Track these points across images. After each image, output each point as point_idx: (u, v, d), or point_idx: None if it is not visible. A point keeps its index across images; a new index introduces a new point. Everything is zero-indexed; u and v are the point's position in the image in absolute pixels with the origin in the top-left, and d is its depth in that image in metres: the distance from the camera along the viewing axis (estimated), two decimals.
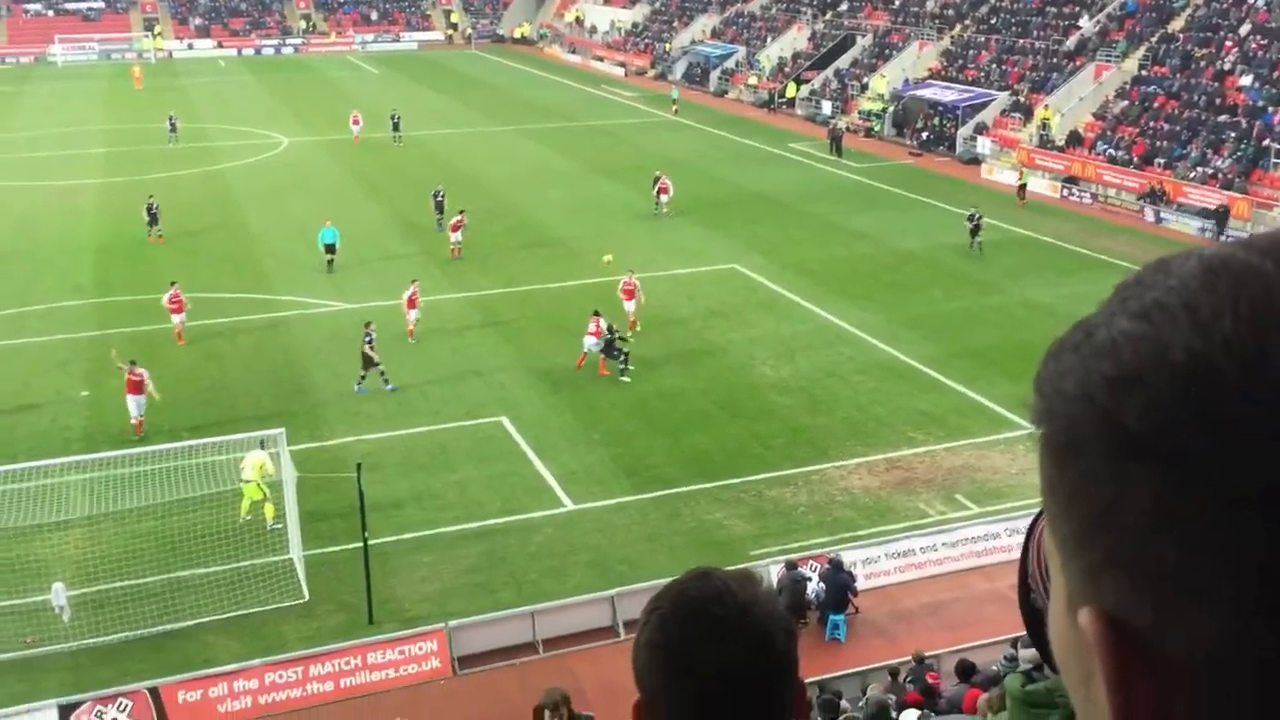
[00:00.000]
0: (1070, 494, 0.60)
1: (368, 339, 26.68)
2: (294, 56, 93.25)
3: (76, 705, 16.45)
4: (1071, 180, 46.94)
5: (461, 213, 37.39)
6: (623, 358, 27.56)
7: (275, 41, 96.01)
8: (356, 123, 56.50)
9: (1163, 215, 43.03)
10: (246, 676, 17.21)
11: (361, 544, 18.85)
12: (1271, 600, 0.53)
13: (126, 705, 16.59)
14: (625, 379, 27.36)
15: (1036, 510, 1.90)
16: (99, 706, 16.52)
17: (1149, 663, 0.56)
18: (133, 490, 21.45)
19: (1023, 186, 45.55)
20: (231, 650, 17.97)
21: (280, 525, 20.81)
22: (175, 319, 29.47)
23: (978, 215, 37.15)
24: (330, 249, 35.24)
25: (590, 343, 27.51)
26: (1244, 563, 0.53)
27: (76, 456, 22.05)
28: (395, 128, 56.39)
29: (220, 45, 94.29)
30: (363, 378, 26.66)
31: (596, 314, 27.81)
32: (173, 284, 29.89)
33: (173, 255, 36.92)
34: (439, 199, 39.83)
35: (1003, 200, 44.29)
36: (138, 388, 24.47)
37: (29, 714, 16.33)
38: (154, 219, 38.80)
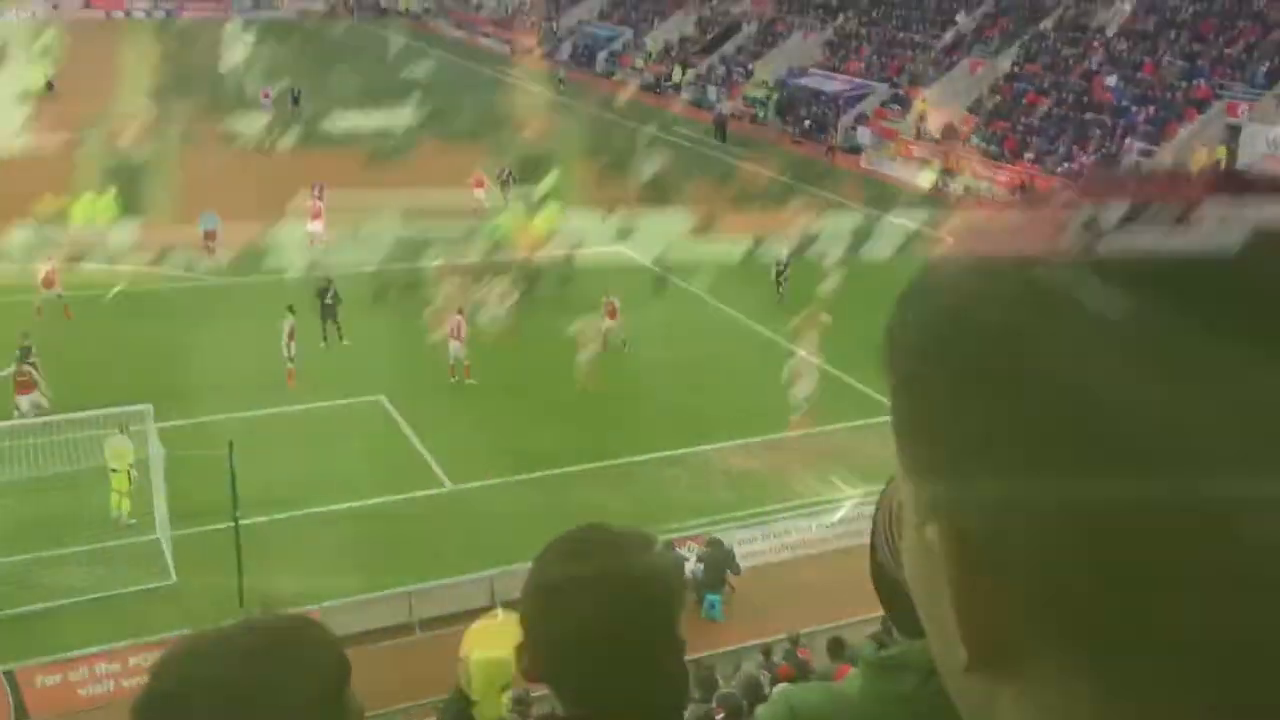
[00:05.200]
0: (913, 423, 0.66)
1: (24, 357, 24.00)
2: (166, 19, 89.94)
3: None
4: (947, 172, 48.18)
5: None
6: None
7: (146, 4, 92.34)
8: None
9: None
10: (109, 659, 16.67)
11: (232, 524, 18.39)
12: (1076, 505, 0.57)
13: None
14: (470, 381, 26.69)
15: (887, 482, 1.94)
16: None
17: (983, 561, 0.62)
18: None
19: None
20: (93, 633, 17.35)
21: (134, 521, 20.23)
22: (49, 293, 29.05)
23: (785, 266, 33.00)
24: (210, 235, 33.20)
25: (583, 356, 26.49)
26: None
27: None
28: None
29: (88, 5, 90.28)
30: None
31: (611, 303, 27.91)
32: (50, 259, 29.60)
33: None
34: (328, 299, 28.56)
35: (883, 190, 45.20)
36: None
37: None
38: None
